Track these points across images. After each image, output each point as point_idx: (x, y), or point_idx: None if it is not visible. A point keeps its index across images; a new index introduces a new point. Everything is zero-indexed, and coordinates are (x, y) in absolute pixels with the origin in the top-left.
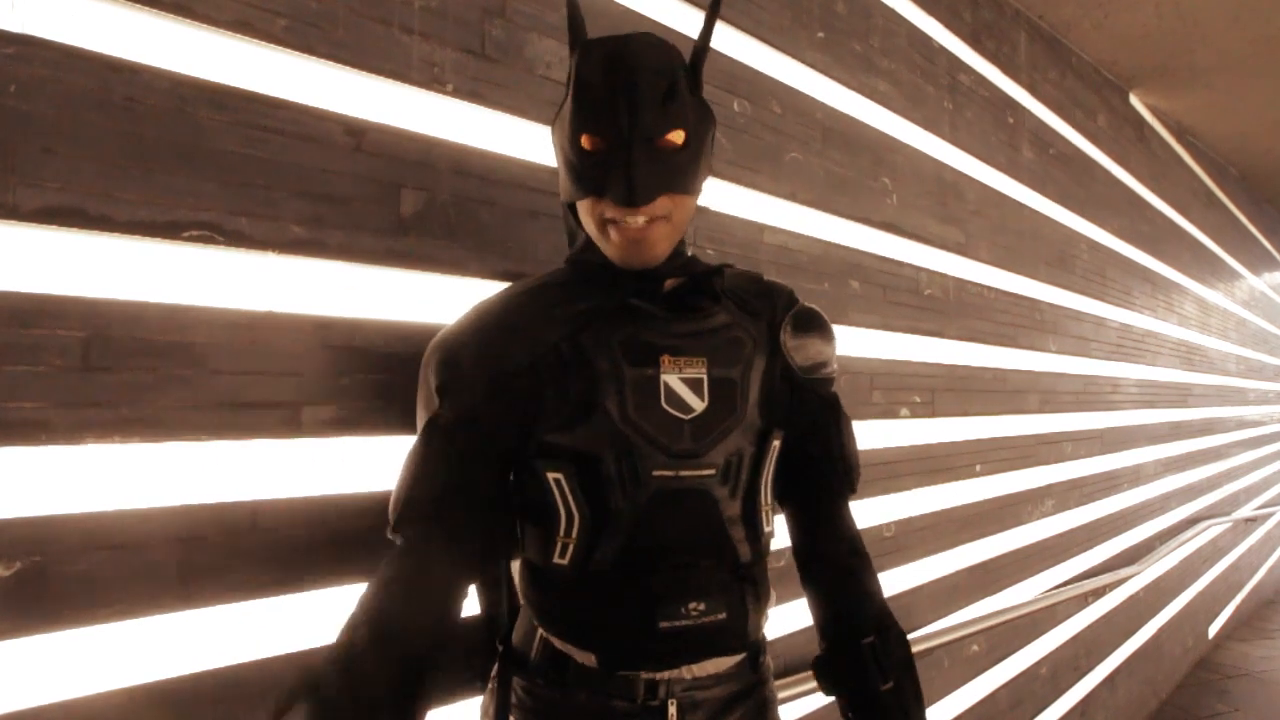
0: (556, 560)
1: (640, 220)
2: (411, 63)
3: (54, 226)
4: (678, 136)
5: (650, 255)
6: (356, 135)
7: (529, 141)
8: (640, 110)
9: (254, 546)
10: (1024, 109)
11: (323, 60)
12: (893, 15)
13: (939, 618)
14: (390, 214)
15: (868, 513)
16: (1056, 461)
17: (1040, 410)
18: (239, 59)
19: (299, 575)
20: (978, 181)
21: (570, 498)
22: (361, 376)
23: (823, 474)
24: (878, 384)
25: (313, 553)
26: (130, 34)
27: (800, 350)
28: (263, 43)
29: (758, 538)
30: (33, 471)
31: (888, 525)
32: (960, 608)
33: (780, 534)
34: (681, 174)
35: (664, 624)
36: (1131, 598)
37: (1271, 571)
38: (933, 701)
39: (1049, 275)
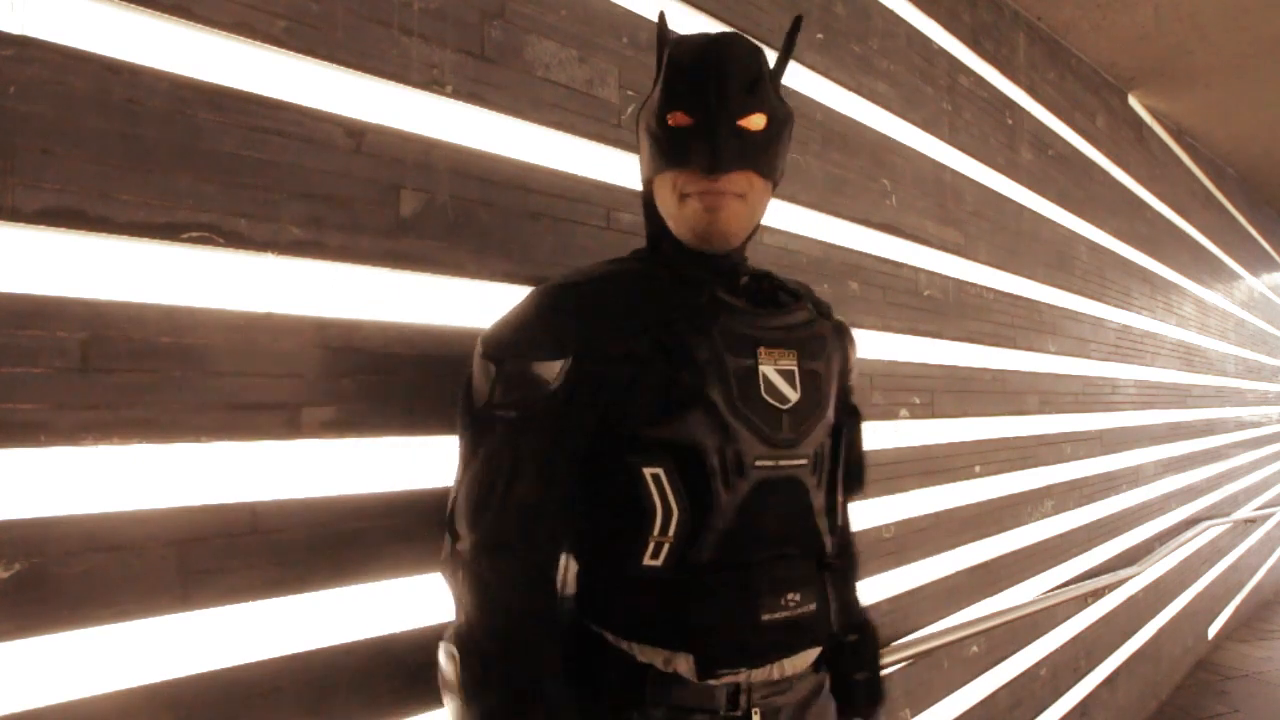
0: (648, 562)
1: (716, 191)
2: (411, 64)
3: (53, 228)
4: (759, 120)
5: (723, 232)
6: (356, 136)
7: (529, 143)
8: (727, 91)
9: (253, 548)
10: (1023, 110)
11: (322, 62)
12: (892, 17)
13: (939, 618)
14: (390, 215)
15: (868, 513)
16: (1056, 462)
17: (1040, 411)
18: (239, 60)
19: (298, 576)
20: (977, 182)
21: (670, 493)
22: (361, 378)
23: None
24: (877, 385)
25: (312, 554)
26: (130, 35)
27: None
28: (262, 44)
29: (834, 529)
30: (32, 472)
31: (887, 526)
32: (960, 608)
33: None
34: (761, 153)
35: (765, 616)
36: (1131, 599)
37: (1271, 572)
38: (932, 702)
39: (1048, 276)
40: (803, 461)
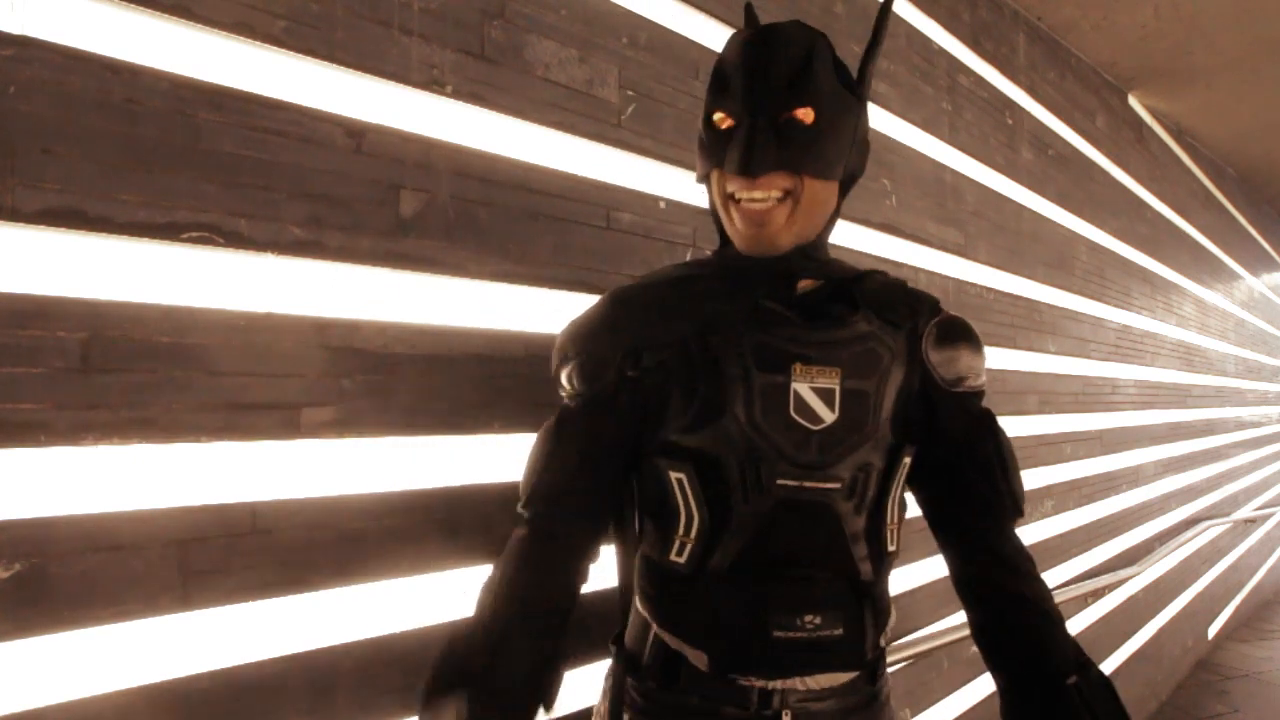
0: (674, 558)
1: (758, 195)
2: (411, 64)
3: (53, 228)
4: (806, 114)
5: (770, 239)
6: (356, 136)
7: (528, 143)
8: (766, 86)
9: (253, 548)
10: (1023, 110)
11: (322, 62)
12: (891, 16)
13: (939, 618)
14: (390, 215)
15: None
16: (1056, 462)
17: (1039, 411)
18: (239, 60)
19: (299, 576)
20: (977, 182)
21: (691, 499)
22: (361, 378)
23: (982, 497)
24: None
25: (312, 554)
26: (130, 35)
27: (945, 362)
28: (262, 44)
29: (881, 555)
30: (32, 472)
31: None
32: (960, 608)
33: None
34: (805, 152)
35: (777, 633)
36: (1131, 599)
37: (1271, 572)
38: (932, 702)
39: (1048, 276)
40: (834, 486)
